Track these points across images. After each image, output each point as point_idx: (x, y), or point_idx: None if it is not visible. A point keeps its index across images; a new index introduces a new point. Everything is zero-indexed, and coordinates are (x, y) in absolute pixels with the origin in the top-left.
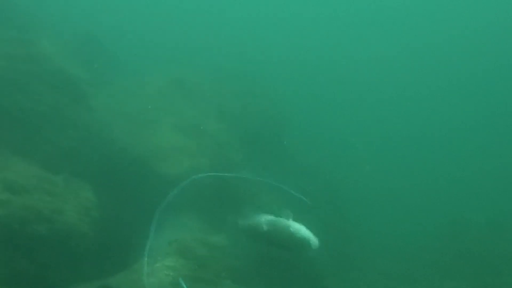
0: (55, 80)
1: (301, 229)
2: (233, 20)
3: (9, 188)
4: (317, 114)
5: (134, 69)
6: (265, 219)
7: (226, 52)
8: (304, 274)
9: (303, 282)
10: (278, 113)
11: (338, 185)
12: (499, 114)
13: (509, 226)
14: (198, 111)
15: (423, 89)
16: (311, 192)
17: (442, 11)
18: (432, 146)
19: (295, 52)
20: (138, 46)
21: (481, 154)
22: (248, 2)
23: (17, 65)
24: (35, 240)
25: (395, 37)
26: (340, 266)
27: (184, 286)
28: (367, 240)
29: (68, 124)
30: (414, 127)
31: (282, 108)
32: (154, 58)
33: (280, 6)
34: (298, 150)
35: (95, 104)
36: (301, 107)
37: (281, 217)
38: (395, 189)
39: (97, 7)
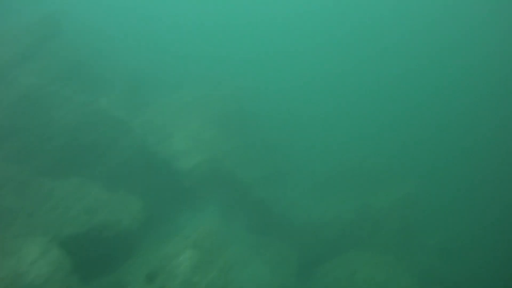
0: (109, 122)
1: None
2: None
3: (88, 211)
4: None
5: (161, 94)
6: None
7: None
8: None
9: None
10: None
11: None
12: None
13: None
14: (198, 123)
15: None
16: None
17: None
18: None
19: None
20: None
21: None
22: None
23: (89, 117)
24: (107, 239)
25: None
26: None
27: None
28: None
29: (121, 148)
30: None
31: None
32: (172, 86)
33: None
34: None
35: (135, 125)
36: None
37: None
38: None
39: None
